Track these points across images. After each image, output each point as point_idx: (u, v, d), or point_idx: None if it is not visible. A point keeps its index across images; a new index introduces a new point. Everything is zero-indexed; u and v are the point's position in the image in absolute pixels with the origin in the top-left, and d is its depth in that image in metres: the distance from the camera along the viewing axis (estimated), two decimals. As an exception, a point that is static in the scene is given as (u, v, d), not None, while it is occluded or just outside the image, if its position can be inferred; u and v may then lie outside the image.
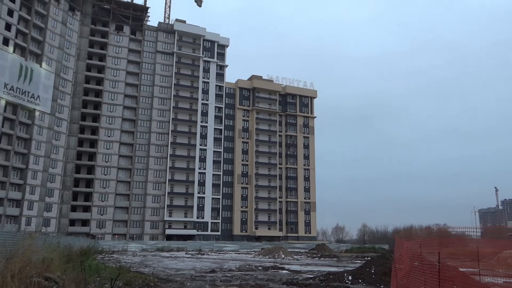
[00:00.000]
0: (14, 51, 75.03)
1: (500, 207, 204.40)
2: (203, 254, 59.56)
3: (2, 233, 13.37)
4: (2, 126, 72.44)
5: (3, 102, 72.53)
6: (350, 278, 21.40)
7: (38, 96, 78.77)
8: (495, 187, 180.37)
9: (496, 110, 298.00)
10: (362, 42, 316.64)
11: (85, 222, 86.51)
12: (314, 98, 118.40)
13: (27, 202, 75.49)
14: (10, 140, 73.89)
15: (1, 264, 9.84)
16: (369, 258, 39.89)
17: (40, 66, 79.71)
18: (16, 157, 75.54)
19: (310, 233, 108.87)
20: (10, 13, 74.69)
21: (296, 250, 75.29)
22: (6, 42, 73.52)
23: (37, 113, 78.50)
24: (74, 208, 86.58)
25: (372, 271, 21.62)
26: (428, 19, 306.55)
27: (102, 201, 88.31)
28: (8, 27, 74.11)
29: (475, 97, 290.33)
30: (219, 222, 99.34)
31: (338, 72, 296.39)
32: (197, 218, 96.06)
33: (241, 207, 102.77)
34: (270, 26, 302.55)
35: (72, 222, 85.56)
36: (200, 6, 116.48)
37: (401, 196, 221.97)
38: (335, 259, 48.72)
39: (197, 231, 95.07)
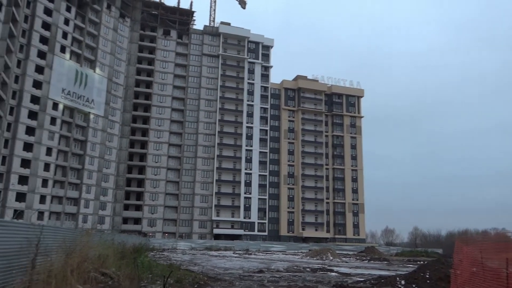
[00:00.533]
0: (70, 58, 79.23)
1: None
2: (250, 254, 59.85)
3: (63, 229, 14.02)
4: (61, 129, 76.69)
5: (61, 106, 76.80)
6: (403, 282, 20.58)
7: (93, 100, 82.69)
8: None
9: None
10: (407, 37, 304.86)
11: (137, 221, 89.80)
12: (361, 97, 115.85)
13: (84, 201, 79.40)
14: (68, 142, 78.07)
15: (62, 259, 10.28)
16: (422, 262, 38.36)
17: (94, 72, 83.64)
18: (73, 158, 79.68)
19: (358, 235, 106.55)
20: (66, 22, 78.93)
21: (344, 252, 73.94)
22: (63, 49, 77.79)
23: (91, 116, 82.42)
24: (126, 207, 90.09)
25: (427, 276, 20.67)
26: (486, 13, 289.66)
27: (153, 201, 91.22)
28: (64, 35, 78.38)
29: None
30: (265, 223, 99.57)
31: (383, 69, 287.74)
32: (244, 218, 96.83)
33: (288, 208, 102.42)
34: (312, 25, 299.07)
35: (125, 220, 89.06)
36: (244, 8, 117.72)
37: (454, 197, 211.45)
38: (386, 262, 47.27)
39: (244, 231, 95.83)
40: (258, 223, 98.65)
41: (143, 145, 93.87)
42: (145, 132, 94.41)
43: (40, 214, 71.11)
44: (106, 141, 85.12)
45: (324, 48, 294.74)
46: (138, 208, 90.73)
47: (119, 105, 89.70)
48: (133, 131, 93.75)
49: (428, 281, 20.37)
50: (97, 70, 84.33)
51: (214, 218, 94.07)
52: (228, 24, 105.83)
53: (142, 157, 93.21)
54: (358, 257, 58.32)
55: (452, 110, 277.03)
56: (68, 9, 79.47)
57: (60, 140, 76.78)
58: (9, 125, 68.46)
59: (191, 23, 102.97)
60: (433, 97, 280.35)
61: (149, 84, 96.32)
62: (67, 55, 78.54)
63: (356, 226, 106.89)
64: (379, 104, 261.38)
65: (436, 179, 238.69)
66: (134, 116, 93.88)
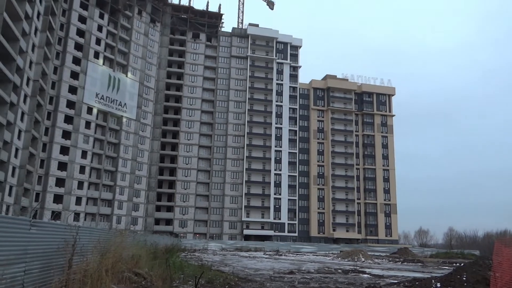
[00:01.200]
0: (103, 63, 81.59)
1: None
2: (281, 255, 59.69)
3: (97, 230, 14.44)
4: (95, 132, 79.07)
5: (95, 111, 79.20)
6: (438, 285, 19.99)
7: (125, 103, 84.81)
8: None
9: None
10: (436, 33, 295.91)
11: (168, 221, 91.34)
12: (392, 95, 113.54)
13: (117, 202, 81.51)
14: (102, 145, 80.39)
15: (97, 259, 10.57)
16: (458, 264, 37.14)
17: (126, 76, 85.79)
18: (107, 161, 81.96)
19: (391, 236, 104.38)
20: (100, 28, 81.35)
21: (376, 253, 72.63)
22: (97, 55, 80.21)
23: (124, 120, 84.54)
24: (158, 208, 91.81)
25: (464, 278, 19.98)
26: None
27: (184, 202, 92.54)
28: (98, 41, 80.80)
29: None
30: (295, 223, 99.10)
31: (413, 66, 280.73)
32: (274, 219, 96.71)
33: (318, 208, 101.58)
34: (340, 24, 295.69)
35: (157, 221, 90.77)
36: (272, 9, 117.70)
37: (491, 197, 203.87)
38: (420, 264, 46.05)
39: (274, 231, 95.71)
40: (288, 224, 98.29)
41: (174, 147, 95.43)
42: (175, 135, 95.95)
43: (76, 215, 73.51)
44: (138, 143, 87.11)
45: (354, 47, 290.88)
46: (170, 209, 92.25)
47: (151, 108, 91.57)
48: (164, 133, 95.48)
49: (465, 284, 19.69)
50: (129, 74, 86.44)
51: (244, 219, 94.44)
52: (256, 25, 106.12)
53: (173, 159, 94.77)
54: (390, 259, 57.11)
55: (481, 105, 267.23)
56: (101, 16, 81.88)
57: (95, 143, 79.16)
58: (46, 129, 71.20)
59: (220, 25, 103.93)
60: (463, 93, 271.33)
61: (179, 87, 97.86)
62: (101, 61, 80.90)
63: (388, 227, 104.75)
64: (410, 102, 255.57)
65: (472, 178, 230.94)
66: (164, 119, 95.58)
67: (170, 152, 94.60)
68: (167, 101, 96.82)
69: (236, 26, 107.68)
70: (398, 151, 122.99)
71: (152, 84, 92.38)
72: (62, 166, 73.11)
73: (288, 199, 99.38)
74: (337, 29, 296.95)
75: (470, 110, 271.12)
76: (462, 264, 26.58)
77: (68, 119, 74.66)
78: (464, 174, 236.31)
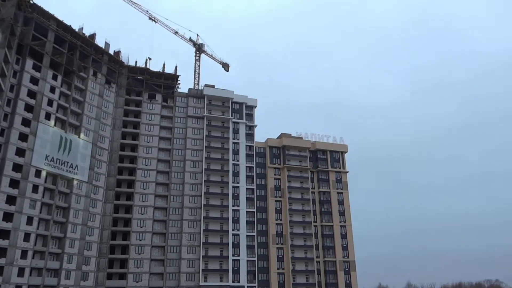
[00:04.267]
0: (55, 124, 79.01)
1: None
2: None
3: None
4: (43, 196, 74.63)
5: (44, 173, 75.30)
6: None
7: (77, 165, 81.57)
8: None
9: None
10: (373, 91, 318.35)
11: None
12: (345, 152, 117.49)
13: (65, 272, 75.64)
14: (50, 210, 75.75)
15: None
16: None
17: (79, 137, 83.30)
18: (55, 226, 76.94)
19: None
20: (52, 90, 79.63)
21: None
22: (48, 116, 77.75)
23: (75, 182, 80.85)
24: (110, 276, 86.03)
25: None
26: (437, 65, 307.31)
27: (138, 267, 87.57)
28: (50, 102, 78.70)
29: (504, 138, 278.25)
30: (255, 286, 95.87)
31: (359, 122, 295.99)
32: (233, 282, 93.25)
33: (278, 268, 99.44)
34: (287, 83, 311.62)
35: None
36: (227, 71, 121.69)
37: (444, 248, 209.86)
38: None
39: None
40: (248, 286, 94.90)
41: (128, 209, 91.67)
42: (130, 196, 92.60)
43: (18, 288, 67.21)
44: (89, 207, 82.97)
45: (306, 105, 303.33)
46: (122, 276, 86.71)
47: (104, 169, 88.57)
48: (117, 195, 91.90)
49: None
50: (82, 135, 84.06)
51: (202, 283, 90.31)
52: (212, 86, 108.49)
53: (127, 222, 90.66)
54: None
55: (426, 161, 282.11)
56: (55, 77, 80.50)
57: (42, 208, 74.49)
58: (-11, 195, 66.42)
59: (176, 86, 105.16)
60: (405, 149, 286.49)
61: (134, 148, 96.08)
62: (52, 122, 78.38)
63: (348, 285, 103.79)
64: (360, 156, 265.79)
65: (423, 230, 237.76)
66: (118, 180, 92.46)
67: (124, 215, 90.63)
68: (122, 162, 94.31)
69: (192, 87, 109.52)
70: (353, 207, 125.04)
71: (106, 145, 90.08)
72: (4, 234, 67.58)
73: (247, 260, 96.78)
74: (289, 87, 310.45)
75: (410, 164, 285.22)
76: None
77: (14, 183, 70.25)
78: (415, 226, 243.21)
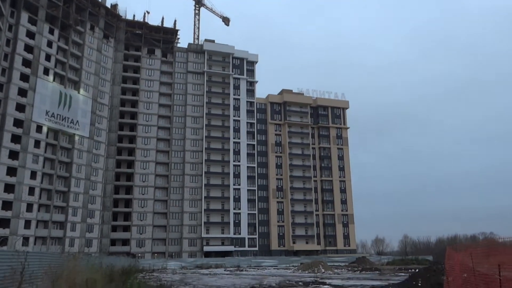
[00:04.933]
0: (54, 80, 78.57)
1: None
2: (242, 270, 59.23)
3: (48, 255, 13.71)
4: (45, 152, 75.54)
5: (45, 129, 75.80)
6: (395, 292, 20.58)
7: (77, 121, 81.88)
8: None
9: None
10: (372, 51, 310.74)
11: (125, 242, 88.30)
12: (346, 108, 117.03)
13: (70, 224, 77.90)
14: (53, 165, 76.90)
15: (48, 286, 10.04)
16: (413, 270, 38.39)
17: (78, 93, 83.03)
18: (59, 181, 78.40)
19: (349, 246, 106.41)
20: (50, 44, 78.50)
21: (335, 264, 73.71)
22: (46, 72, 77.17)
23: (76, 138, 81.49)
24: (114, 228, 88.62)
25: (419, 284, 20.71)
26: (440, 23, 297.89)
27: (141, 220, 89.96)
28: (48, 57, 77.84)
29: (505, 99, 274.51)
30: (256, 238, 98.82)
31: (358, 82, 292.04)
32: (234, 234, 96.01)
33: (278, 221, 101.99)
34: (291, 39, 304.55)
35: (113, 242, 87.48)
36: (227, 25, 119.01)
37: (442, 206, 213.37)
38: (377, 272, 47.23)
39: (235, 247, 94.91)
40: (249, 238, 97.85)
41: (130, 164, 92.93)
42: (131, 152, 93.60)
43: (25, 240, 69.48)
44: (92, 162, 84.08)
45: (307, 61, 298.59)
46: (126, 228, 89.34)
47: (105, 125, 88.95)
48: (119, 151, 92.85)
49: (420, 290, 20.37)
50: (82, 91, 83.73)
51: (204, 235, 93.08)
52: (213, 41, 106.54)
53: (129, 177, 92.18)
54: (349, 268, 58.17)
55: (427, 121, 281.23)
56: (51, 31, 79.13)
57: (45, 163, 75.59)
58: (-9, 149, 67.23)
59: (176, 41, 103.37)
60: (405, 109, 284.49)
61: (134, 103, 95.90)
62: (51, 77, 77.89)
63: (346, 237, 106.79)
64: (361, 115, 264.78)
65: (423, 188, 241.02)
66: (120, 135, 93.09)
67: (126, 170, 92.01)
68: (122, 117, 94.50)
69: (192, 42, 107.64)
70: (353, 162, 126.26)
71: (106, 101, 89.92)
72: (9, 188, 69.06)
73: (248, 214, 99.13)
74: (290, 44, 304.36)
75: (411, 124, 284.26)
76: (417, 270, 27.51)
77: (16, 139, 70.89)
78: (415, 184, 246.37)
